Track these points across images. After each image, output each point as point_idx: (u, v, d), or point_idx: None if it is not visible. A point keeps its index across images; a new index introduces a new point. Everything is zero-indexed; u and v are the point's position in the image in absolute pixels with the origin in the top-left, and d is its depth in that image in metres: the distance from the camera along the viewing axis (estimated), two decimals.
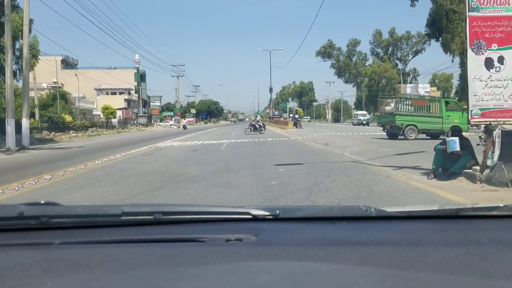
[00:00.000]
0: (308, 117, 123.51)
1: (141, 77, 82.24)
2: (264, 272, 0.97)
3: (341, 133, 26.16)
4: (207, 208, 1.61)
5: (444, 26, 56.93)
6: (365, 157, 11.34)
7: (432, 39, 61.00)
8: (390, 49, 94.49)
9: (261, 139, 21.37)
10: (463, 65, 58.31)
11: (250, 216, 1.43)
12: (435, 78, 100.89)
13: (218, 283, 0.90)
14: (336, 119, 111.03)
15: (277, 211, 1.45)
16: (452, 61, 62.55)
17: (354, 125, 55.68)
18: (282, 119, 58.19)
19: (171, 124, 72.97)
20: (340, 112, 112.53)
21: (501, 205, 1.50)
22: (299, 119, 39.48)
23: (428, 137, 19.12)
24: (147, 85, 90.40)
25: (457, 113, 18.90)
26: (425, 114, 18.94)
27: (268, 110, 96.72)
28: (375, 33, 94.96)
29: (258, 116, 41.23)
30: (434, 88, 21.87)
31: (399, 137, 19.03)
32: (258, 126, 29.67)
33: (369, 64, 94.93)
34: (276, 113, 79.80)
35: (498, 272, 1.02)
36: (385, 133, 20.62)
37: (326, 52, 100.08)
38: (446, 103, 19.80)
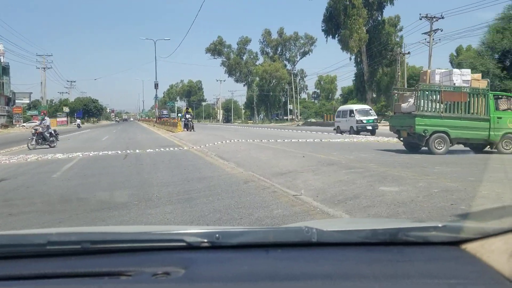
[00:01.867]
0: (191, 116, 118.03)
1: (3, 70, 69.82)
2: None
3: (252, 140, 18.09)
4: (139, 236, 1.44)
5: (342, 22, 55.52)
6: None
7: (329, 36, 59.88)
8: (279, 49, 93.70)
9: (137, 151, 14.61)
10: (359, 63, 57.15)
11: (184, 244, 1.31)
12: (320, 79, 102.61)
13: None
14: (227, 119, 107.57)
15: (216, 235, 1.33)
16: (350, 59, 62.26)
17: (339, 133, 26.78)
18: (168, 118, 51.46)
19: (36, 125, 62.23)
20: (230, 112, 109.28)
21: (440, 224, 1.40)
22: (191, 119, 32.52)
23: (467, 149, 13.27)
24: (12, 79, 77.46)
25: None
26: (462, 115, 12.67)
27: (154, 110, 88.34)
28: (265, 32, 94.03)
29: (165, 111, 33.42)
30: (478, 75, 13.93)
31: (422, 148, 12.83)
32: (48, 135, 18.10)
33: (260, 64, 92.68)
34: (165, 112, 72.99)
35: None
36: (400, 142, 14.04)
37: (216, 49, 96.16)
38: (496, 98, 12.99)
